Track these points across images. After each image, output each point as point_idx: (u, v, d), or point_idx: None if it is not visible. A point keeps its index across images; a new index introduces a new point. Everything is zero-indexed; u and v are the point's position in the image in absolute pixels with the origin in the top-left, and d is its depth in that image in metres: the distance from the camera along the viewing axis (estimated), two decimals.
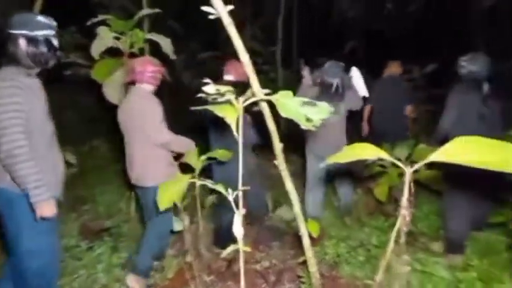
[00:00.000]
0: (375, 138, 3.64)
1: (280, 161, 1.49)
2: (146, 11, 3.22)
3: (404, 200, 1.24)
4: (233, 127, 1.20)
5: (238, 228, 1.25)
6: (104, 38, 2.83)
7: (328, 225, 3.14)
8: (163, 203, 1.64)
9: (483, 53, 2.73)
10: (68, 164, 4.31)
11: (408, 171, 1.22)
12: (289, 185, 1.56)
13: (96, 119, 6.51)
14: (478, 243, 2.70)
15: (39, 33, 1.80)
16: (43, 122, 1.85)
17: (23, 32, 1.77)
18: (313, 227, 1.65)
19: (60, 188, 1.95)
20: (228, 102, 1.23)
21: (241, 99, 1.26)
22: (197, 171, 2.06)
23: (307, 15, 9.12)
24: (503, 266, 2.37)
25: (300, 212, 1.62)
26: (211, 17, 1.14)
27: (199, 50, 8.07)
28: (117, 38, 2.93)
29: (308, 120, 1.11)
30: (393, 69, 4.35)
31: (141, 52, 3.09)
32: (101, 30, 2.79)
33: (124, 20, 2.85)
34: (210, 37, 8.33)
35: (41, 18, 1.84)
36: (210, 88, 1.16)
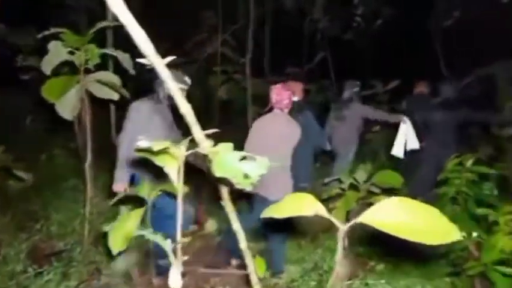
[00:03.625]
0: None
1: (226, 203, 1.46)
2: (105, 23, 3.09)
3: (338, 257, 1.23)
4: (173, 177, 1.15)
5: (175, 281, 1.20)
6: (57, 53, 2.68)
7: None
8: (115, 246, 1.57)
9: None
10: (18, 179, 4.10)
11: (342, 228, 1.20)
12: (236, 226, 1.53)
13: (57, 126, 6.23)
14: (422, 268, 2.77)
15: None
16: None
17: None
18: (261, 264, 1.62)
19: None
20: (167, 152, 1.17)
21: (182, 147, 1.21)
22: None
23: (278, 24, 9.17)
24: None
25: (247, 249, 1.59)
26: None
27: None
28: (71, 53, 2.80)
29: (246, 177, 1.08)
30: (422, 88, 4.71)
31: (99, 67, 2.97)
32: (53, 45, 2.64)
33: (78, 35, 2.72)
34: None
35: None
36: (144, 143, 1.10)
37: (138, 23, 0.82)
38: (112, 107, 4.83)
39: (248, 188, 1.04)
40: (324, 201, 3.43)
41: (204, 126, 1.06)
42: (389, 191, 2.71)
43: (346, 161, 4.15)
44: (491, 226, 1.89)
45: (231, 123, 6.20)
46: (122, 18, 0.80)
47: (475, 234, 1.88)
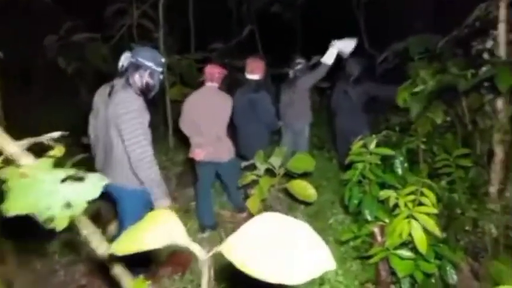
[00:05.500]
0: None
1: (84, 227, 1.18)
2: None
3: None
4: None
5: None
6: None
7: (202, 240, 2.98)
8: None
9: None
10: None
11: (204, 257, 0.97)
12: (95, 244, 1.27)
13: None
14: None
15: None
16: None
17: None
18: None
19: None
20: None
21: None
22: None
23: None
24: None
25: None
26: None
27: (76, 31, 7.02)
28: None
29: (68, 206, 0.81)
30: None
31: None
32: None
33: None
34: (90, 16, 7.29)
35: None
36: None
37: None
38: None
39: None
40: (241, 189, 3.33)
41: None
42: (304, 175, 2.63)
43: (304, 137, 4.29)
44: (394, 209, 1.87)
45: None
46: None
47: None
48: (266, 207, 3.00)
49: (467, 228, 2.42)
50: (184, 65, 6.95)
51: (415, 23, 8.20)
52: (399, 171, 2.47)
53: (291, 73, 4.40)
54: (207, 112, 3.19)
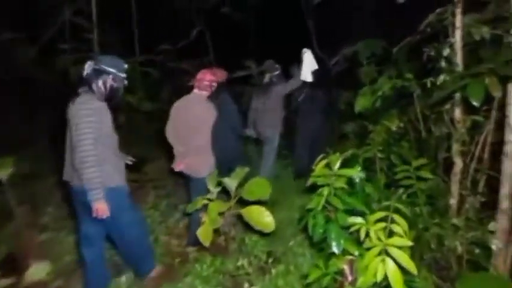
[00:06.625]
0: None
1: None
2: None
3: None
4: None
5: None
6: None
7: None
8: None
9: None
10: None
11: None
12: None
13: None
14: None
15: None
16: None
17: None
18: None
19: None
20: None
21: None
22: None
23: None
24: None
25: None
26: None
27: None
28: None
29: None
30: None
31: None
32: None
33: None
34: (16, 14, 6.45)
35: None
36: None
37: None
38: None
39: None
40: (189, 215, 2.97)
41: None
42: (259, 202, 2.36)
43: (273, 146, 4.17)
44: (365, 239, 1.66)
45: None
46: None
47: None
48: (220, 233, 2.68)
49: (432, 246, 2.30)
50: (128, 69, 6.39)
51: (365, 26, 8.36)
52: (357, 181, 2.31)
53: (266, 78, 4.17)
54: (187, 121, 3.00)
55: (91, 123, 2.12)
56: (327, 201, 1.79)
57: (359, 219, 1.75)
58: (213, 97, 3.25)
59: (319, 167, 1.93)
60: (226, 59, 7.01)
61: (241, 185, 2.55)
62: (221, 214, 2.63)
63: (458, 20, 2.35)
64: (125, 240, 2.37)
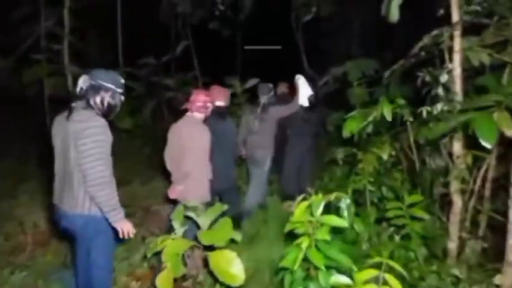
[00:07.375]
0: None
1: None
2: None
3: None
4: None
5: None
6: None
7: None
8: None
9: None
10: None
11: None
12: None
13: None
14: None
15: None
16: None
17: None
18: None
19: None
20: None
21: None
22: None
23: (132, 10, 7.79)
24: None
25: None
26: None
27: None
28: None
29: None
30: (283, 88, 4.64)
31: None
32: None
33: None
34: None
35: None
36: None
37: None
38: None
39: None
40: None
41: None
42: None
43: (263, 170, 4.01)
44: None
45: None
46: None
47: None
48: (186, 277, 2.31)
49: None
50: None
51: (354, 46, 8.25)
52: (346, 215, 2.01)
53: (263, 99, 4.02)
54: (179, 145, 2.81)
55: (100, 142, 1.98)
56: (306, 256, 1.47)
57: (344, 279, 1.43)
58: (216, 120, 3.15)
59: (298, 211, 1.61)
60: (211, 75, 6.78)
61: (216, 222, 2.21)
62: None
63: (457, 44, 2.11)
64: (91, 273, 2.08)
